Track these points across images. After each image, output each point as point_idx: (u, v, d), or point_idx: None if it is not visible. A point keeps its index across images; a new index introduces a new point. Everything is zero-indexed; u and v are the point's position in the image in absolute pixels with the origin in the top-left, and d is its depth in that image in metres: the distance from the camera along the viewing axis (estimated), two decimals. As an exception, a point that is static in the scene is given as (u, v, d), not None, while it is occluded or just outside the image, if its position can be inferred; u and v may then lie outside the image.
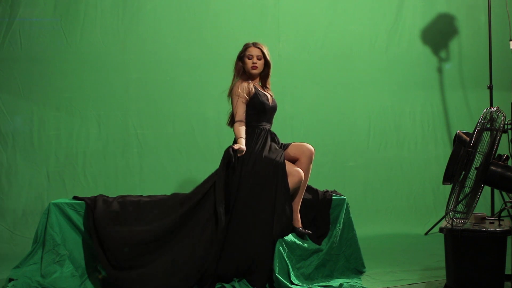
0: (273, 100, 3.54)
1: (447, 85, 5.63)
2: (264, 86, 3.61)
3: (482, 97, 5.33)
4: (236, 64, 3.55)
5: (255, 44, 3.53)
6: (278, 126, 3.85)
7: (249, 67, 3.49)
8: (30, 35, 4.63)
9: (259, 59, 3.50)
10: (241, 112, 3.40)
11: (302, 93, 5.25)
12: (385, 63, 5.48)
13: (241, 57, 3.53)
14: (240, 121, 3.38)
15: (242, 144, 3.28)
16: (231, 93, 3.47)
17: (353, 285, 3.18)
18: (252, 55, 3.50)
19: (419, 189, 5.45)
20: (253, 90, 3.44)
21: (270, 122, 3.54)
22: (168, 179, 4.79)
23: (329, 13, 5.35)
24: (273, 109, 3.54)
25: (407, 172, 5.46)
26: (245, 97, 3.40)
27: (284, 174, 3.29)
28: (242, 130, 3.36)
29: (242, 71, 3.53)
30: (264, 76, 3.60)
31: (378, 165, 5.40)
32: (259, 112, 3.45)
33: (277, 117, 3.74)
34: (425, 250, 4.32)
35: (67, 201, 3.31)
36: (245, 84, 3.44)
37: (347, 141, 5.35)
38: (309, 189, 3.58)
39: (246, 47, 3.53)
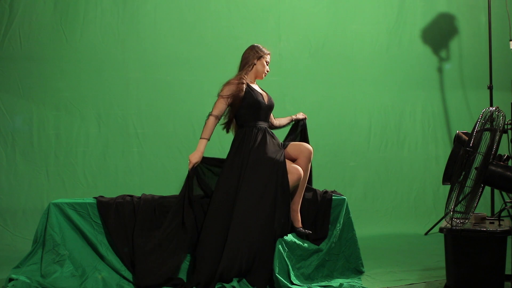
0: (269, 99, 3.55)
1: (447, 85, 5.64)
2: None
3: (482, 97, 5.34)
4: (252, 61, 3.53)
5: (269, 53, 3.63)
6: (279, 126, 3.85)
7: (264, 72, 3.58)
8: (30, 35, 4.63)
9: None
10: (220, 108, 3.42)
11: (303, 93, 5.25)
12: (386, 63, 5.48)
13: (260, 57, 3.54)
14: (216, 116, 3.41)
15: (199, 150, 3.34)
16: (221, 89, 3.47)
17: (353, 285, 3.18)
18: (268, 62, 3.60)
19: (419, 189, 5.46)
20: (243, 90, 3.42)
21: (267, 121, 3.54)
22: (168, 179, 4.79)
23: (330, 13, 5.36)
24: (269, 107, 3.54)
25: (407, 172, 5.47)
26: (228, 99, 3.41)
27: (284, 173, 3.29)
28: (210, 127, 3.38)
29: (251, 69, 3.54)
30: None
31: (379, 165, 5.40)
32: (254, 111, 3.45)
33: (277, 117, 3.74)
34: (425, 250, 4.32)
35: (67, 201, 3.31)
36: (235, 86, 3.43)
37: (348, 141, 5.35)
38: (309, 189, 3.58)
39: (265, 52, 3.57)
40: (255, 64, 3.53)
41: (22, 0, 4.61)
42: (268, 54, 3.59)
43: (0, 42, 4.58)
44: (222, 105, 3.42)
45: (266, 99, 3.52)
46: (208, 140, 3.39)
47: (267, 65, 3.58)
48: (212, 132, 3.40)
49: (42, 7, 4.66)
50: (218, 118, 3.42)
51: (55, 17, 4.69)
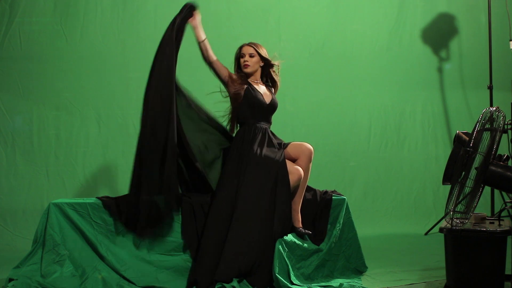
0: (272, 99, 3.53)
1: (447, 85, 5.63)
2: (268, 85, 3.62)
3: (482, 97, 5.33)
4: (234, 65, 3.60)
5: (249, 43, 3.57)
6: (279, 125, 3.84)
7: (242, 66, 3.54)
8: (30, 35, 4.63)
9: (252, 57, 3.52)
10: (220, 66, 3.50)
11: (303, 93, 5.25)
12: (386, 62, 5.48)
13: (237, 57, 3.58)
14: (214, 58, 3.51)
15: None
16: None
17: (353, 285, 3.18)
18: (244, 54, 3.54)
19: (419, 189, 5.45)
20: (243, 89, 3.45)
21: (268, 121, 3.53)
22: (168, 179, 4.78)
23: (330, 13, 5.36)
24: (271, 107, 3.52)
25: (407, 172, 5.46)
26: (229, 74, 3.49)
27: (285, 173, 3.29)
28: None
29: (239, 71, 3.56)
30: (266, 74, 3.61)
31: (379, 165, 5.40)
32: (254, 110, 3.45)
33: (278, 117, 3.73)
34: (425, 250, 4.32)
35: (67, 201, 3.31)
36: (238, 83, 3.48)
37: (348, 141, 5.35)
38: (309, 189, 3.58)
39: (240, 47, 3.59)
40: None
41: (22, 0, 4.61)
42: (242, 46, 3.56)
43: (0, 42, 4.58)
44: (223, 68, 3.49)
45: (268, 99, 3.51)
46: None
47: (242, 57, 3.54)
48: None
49: (42, 7, 4.66)
50: (213, 57, 3.48)
51: (55, 17, 4.69)
